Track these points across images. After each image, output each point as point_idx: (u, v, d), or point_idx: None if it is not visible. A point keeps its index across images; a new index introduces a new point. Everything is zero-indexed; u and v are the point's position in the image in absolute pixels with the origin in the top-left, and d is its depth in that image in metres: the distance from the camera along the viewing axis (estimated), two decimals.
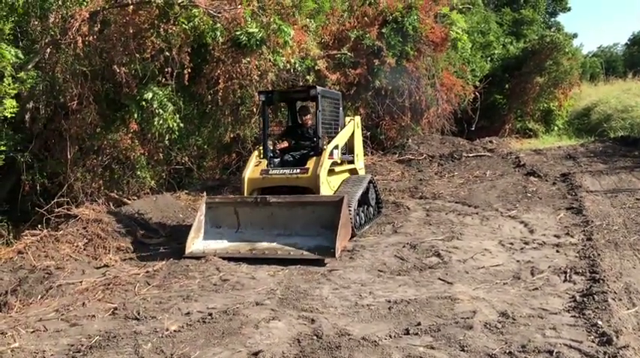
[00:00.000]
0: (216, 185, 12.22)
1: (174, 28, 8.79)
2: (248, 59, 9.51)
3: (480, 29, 24.57)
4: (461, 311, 4.85)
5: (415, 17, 14.95)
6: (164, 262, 7.06)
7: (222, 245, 7.46)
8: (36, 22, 9.25)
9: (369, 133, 15.65)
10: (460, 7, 20.17)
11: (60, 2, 8.80)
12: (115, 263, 7.19)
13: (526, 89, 22.88)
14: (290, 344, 4.35)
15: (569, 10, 36.96)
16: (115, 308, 5.45)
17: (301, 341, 4.39)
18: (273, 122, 10.91)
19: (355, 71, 14.52)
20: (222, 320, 4.91)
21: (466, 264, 6.38)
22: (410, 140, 16.88)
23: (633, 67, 31.79)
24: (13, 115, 8.31)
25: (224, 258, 7.05)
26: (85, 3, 8.66)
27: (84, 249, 7.53)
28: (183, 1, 8.72)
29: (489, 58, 24.55)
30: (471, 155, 15.27)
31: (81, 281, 6.40)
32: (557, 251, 6.72)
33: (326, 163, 7.93)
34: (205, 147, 12.74)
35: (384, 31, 14.78)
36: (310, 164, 7.94)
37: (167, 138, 9.66)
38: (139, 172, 10.48)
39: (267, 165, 8.19)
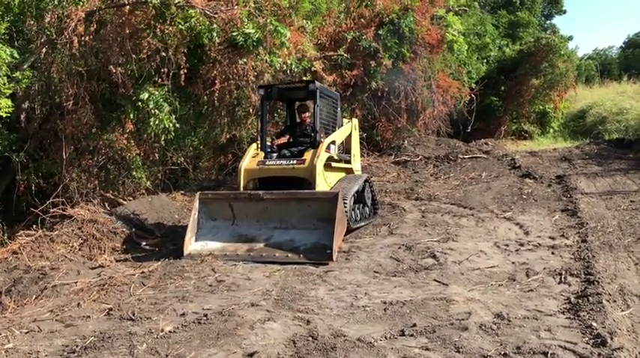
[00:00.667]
0: (212, 185, 12.22)
1: (170, 29, 8.78)
2: (244, 60, 9.51)
3: (476, 31, 24.66)
4: (456, 312, 4.85)
5: (411, 19, 14.98)
6: (159, 263, 7.05)
7: (219, 242, 7.43)
8: (32, 22, 9.23)
9: (365, 134, 15.66)
10: (456, 9, 20.23)
11: (56, 2, 8.78)
12: (110, 263, 7.17)
13: (522, 91, 22.96)
14: (285, 345, 4.35)
15: (564, 12, 37.19)
16: (110, 309, 5.44)
17: (297, 342, 4.39)
18: (269, 123, 10.90)
19: (351, 72, 14.53)
20: (217, 321, 4.91)
21: (461, 266, 6.39)
22: (406, 141, 16.91)
23: (628, 70, 31.96)
24: (9, 115, 8.29)
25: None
26: (81, 3, 8.64)
27: (79, 250, 7.51)
28: (179, 2, 8.71)
29: (485, 60, 24.64)
30: (466, 157, 15.29)
31: (76, 282, 6.38)
32: (552, 253, 6.74)
33: (323, 155, 7.92)
34: (201, 147, 12.73)
35: (380, 32, 14.81)
36: (307, 156, 7.94)
37: (163, 138, 9.64)
38: (134, 173, 10.45)
39: (264, 157, 8.19)
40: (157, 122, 9.14)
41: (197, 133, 11.72)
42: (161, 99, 9.08)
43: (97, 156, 10.32)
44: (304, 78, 12.13)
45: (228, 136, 11.70)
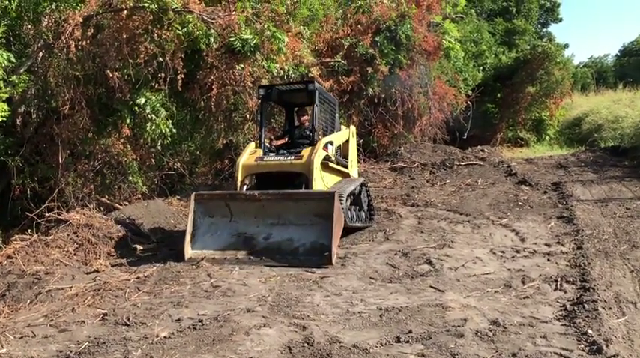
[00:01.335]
0: (208, 191, 12.18)
1: (167, 34, 8.79)
2: (242, 65, 9.53)
3: (473, 39, 24.80)
4: (452, 319, 4.85)
5: (408, 26, 15.07)
6: (155, 268, 7.02)
7: (218, 243, 7.41)
8: (29, 26, 9.23)
9: (361, 141, 15.69)
10: (453, 16, 20.33)
11: (53, 6, 8.79)
12: (105, 268, 7.13)
13: (518, 98, 23.08)
14: (281, 351, 4.34)
15: (560, 20, 37.46)
16: (105, 314, 5.41)
17: (292, 348, 4.37)
18: (266, 128, 10.92)
19: (348, 79, 14.60)
20: (212, 327, 4.89)
21: (457, 272, 6.39)
22: (402, 148, 16.94)
23: (623, 78, 32.13)
24: (5, 119, 8.27)
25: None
26: (78, 7, 8.65)
27: (74, 254, 7.47)
28: (177, 7, 8.73)
29: (481, 68, 24.75)
30: (462, 163, 15.32)
31: (71, 287, 6.34)
32: (548, 259, 6.75)
33: (320, 152, 7.91)
34: (198, 152, 12.73)
35: (377, 39, 14.88)
36: (305, 152, 7.94)
37: (159, 143, 9.64)
38: (130, 177, 10.44)
39: (262, 154, 8.20)
40: (153, 127, 9.15)
41: (194, 138, 11.72)
42: (158, 104, 9.08)
43: (93, 161, 10.31)
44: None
45: (224, 142, 11.71)
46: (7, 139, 9.10)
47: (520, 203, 10.41)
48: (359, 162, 13.00)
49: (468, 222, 9.10)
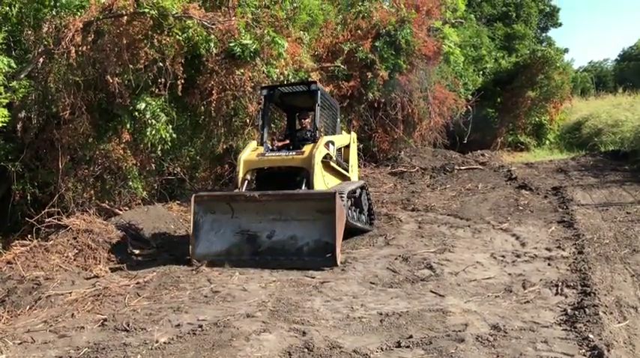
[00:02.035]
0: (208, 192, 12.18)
1: (168, 39, 8.81)
2: (242, 70, 9.54)
3: (472, 43, 24.85)
4: (452, 324, 4.83)
5: (408, 31, 15.10)
6: (155, 273, 7.00)
7: (222, 240, 7.40)
8: (29, 32, 9.25)
9: (361, 145, 15.68)
10: (453, 21, 20.37)
11: (54, 12, 8.82)
12: (105, 274, 7.12)
13: (518, 103, 23.10)
14: (281, 356, 4.32)
15: (560, 25, 37.54)
16: (105, 320, 5.39)
17: (292, 353, 4.36)
18: (268, 131, 10.96)
19: (348, 84, 14.62)
20: (212, 332, 4.87)
21: (458, 277, 6.37)
22: (402, 152, 16.96)
23: (623, 82, 32.13)
24: (5, 124, 8.28)
25: (216, 266, 7.07)
26: (79, 13, 8.67)
27: (74, 260, 7.45)
28: (177, 13, 8.75)
29: (481, 72, 24.78)
30: (463, 168, 15.33)
31: (70, 292, 6.33)
32: (549, 264, 6.73)
33: (322, 148, 7.91)
34: (198, 157, 12.73)
35: (377, 44, 14.91)
36: (306, 148, 7.94)
37: (159, 148, 9.65)
38: (130, 183, 10.44)
39: (264, 151, 8.22)
40: (153, 132, 9.15)
41: (194, 143, 11.73)
42: (158, 110, 9.09)
43: (93, 166, 10.31)
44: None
45: (224, 146, 11.72)
46: (7, 145, 9.11)
47: (520, 207, 10.40)
48: (359, 166, 13.01)
49: (469, 226, 9.09)
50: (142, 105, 8.92)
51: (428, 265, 6.84)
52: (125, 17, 8.68)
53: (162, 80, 8.94)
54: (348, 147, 9.69)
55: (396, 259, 7.22)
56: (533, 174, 14.29)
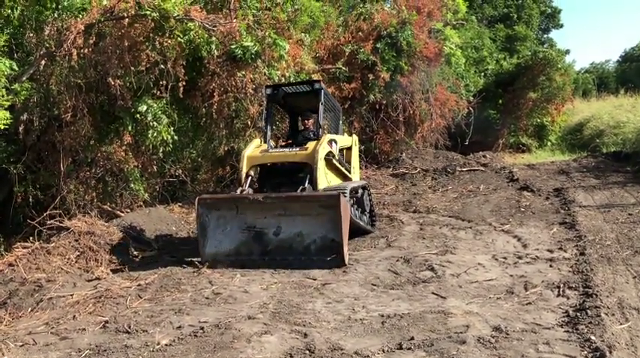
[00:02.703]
0: (211, 195, 12.18)
1: (169, 41, 8.82)
2: (243, 73, 9.55)
3: (474, 45, 24.86)
4: (454, 325, 4.83)
5: (409, 32, 15.11)
6: (156, 275, 7.00)
7: (229, 239, 7.41)
8: (31, 34, 9.27)
9: (363, 147, 15.69)
10: (454, 22, 20.39)
11: (55, 15, 8.83)
12: (106, 276, 7.12)
13: (519, 104, 23.09)
14: None
15: (561, 26, 37.64)
16: (106, 322, 5.39)
17: (293, 355, 4.35)
18: (271, 131, 10.98)
19: (350, 85, 14.63)
20: (213, 334, 4.87)
21: (459, 279, 6.36)
22: (404, 154, 16.95)
23: (625, 84, 32.13)
24: (7, 127, 8.29)
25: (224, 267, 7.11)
26: (80, 16, 8.69)
27: (75, 262, 7.46)
28: (178, 15, 8.76)
29: (483, 74, 24.79)
30: (464, 169, 15.32)
31: (72, 294, 6.33)
32: (551, 265, 6.72)
33: (325, 145, 7.91)
34: (199, 159, 12.73)
35: (378, 45, 14.93)
36: (310, 145, 7.93)
37: (161, 150, 9.65)
38: (132, 185, 10.43)
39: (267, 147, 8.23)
40: (155, 134, 9.16)
41: (195, 145, 11.73)
42: (159, 112, 9.10)
43: (94, 168, 10.31)
44: None
45: (226, 148, 11.72)
46: (9, 147, 9.12)
47: (522, 209, 10.39)
48: (360, 168, 13.00)
49: (470, 228, 9.08)
50: (143, 108, 8.93)
51: (429, 267, 6.84)
52: (127, 20, 8.69)
53: (164, 82, 8.95)
54: (350, 149, 9.71)
55: (397, 261, 7.22)
56: (534, 176, 14.28)
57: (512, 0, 33.23)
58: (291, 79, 10.70)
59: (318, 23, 14.01)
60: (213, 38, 9.02)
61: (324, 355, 4.30)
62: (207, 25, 8.99)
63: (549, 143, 23.97)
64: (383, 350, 4.35)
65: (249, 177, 7.94)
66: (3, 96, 8.01)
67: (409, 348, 4.36)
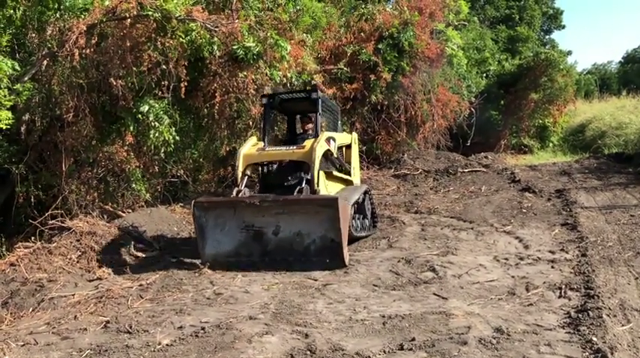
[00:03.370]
0: (209, 197, 12.17)
1: (171, 42, 8.81)
2: (245, 73, 9.54)
3: (476, 46, 24.89)
4: (455, 326, 4.82)
5: (411, 33, 15.12)
6: (157, 275, 7.02)
7: (229, 239, 7.38)
8: (33, 35, 9.27)
9: (364, 148, 15.70)
10: (456, 23, 20.39)
11: (58, 15, 8.83)
12: (108, 276, 7.13)
13: (521, 105, 23.05)
14: None
15: (563, 27, 37.66)
16: (107, 322, 5.40)
17: (295, 356, 4.36)
18: (269, 136, 10.97)
19: (351, 86, 14.64)
20: (215, 335, 4.88)
21: (461, 279, 6.36)
22: (405, 155, 16.94)
23: (627, 85, 32.13)
24: (9, 127, 8.30)
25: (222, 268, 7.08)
26: (82, 16, 8.69)
27: (77, 262, 7.47)
28: (180, 15, 8.76)
29: (485, 75, 24.81)
30: (466, 170, 15.30)
31: (73, 294, 6.34)
32: (552, 267, 6.71)
33: (322, 143, 7.79)
34: (201, 160, 12.71)
35: (380, 46, 14.93)
36: (307, 143, 7.81)
37: (163, 151, 9.64)
38: (134, 185, 10.42)
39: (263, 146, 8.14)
40: (156, 134, 9.15)
41: (197, 146, 11.72)
42: (161, 112, 9.09)
43: (96, 169, 10.31)
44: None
45: (228, 149, 11.71)
46: (11, 147, 9.12)
47: (524, 210, 10.37)
48: (362, 169, 13.00)
49: (472, 229, 9.08)
50: (145, 108, 8.92)
51: (431, 267, 6.84)
52: (129, 20, 8.69)
53: (166, 83, 8.94)
54: (349, 148, 9.63)
55: (398, 261, 7.22)
56: (536, 177, 14.27)
57: (515, 1, 33.28)
58: (293, 79, 10.69)
59: (319, 24, 14.01)
60: (215, 39, 9.01)
61: (325, 355, 4.30)
62: (209, 26, 8.99)
63: (551, 144, 23.94)
64: (384, 351, 4.35)
65: (246, 176, 7.86)
66: (5, 96, 8.02)
67: (410, 349, 4.36)
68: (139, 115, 8.94)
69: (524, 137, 23.76)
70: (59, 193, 9.37)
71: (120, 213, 9.69)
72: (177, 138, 9.59)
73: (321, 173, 7.77)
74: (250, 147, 8.05)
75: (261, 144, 8.18)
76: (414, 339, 4.53)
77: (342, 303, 5.69)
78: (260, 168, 8.53)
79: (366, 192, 9.17)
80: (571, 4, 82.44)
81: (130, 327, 5.17)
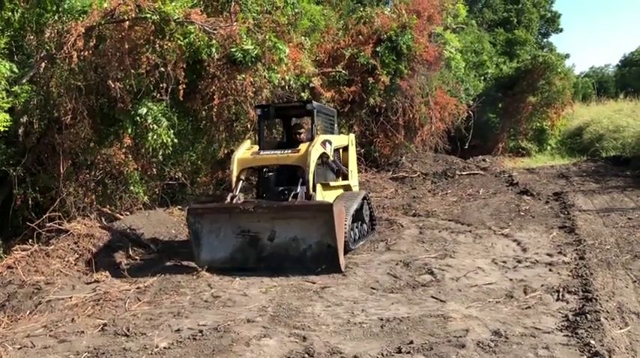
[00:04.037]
0: (209, 201, 12.17)
1: (169, 44, 8.81)
2: (243, 76, 9.54)
3: (474, 49, 24.93)
4: (453, 329, 4.82)
5: (409, 36, 15.15)
6: (155, 278, 7.00)
7: (224, 245, 7.35)
8: (31, 37, 9.26)
9: (362, 150, 15.71)
10: (454, 26, 20.44)
11: (56, 17, 8.83)
12: (105, 278, 7.12)
13: (519, 108, 23.09)
14: None
15: (561, 31, 37.69)
16: (105, 325, 5.39)
17: None
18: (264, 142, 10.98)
19: (349, 89, 14.66)
20: (212, 338, 4.87)
21: (459, 282, 6.36)
22: (404, 158, 16.95)
23: (625, 88, 32.14)
24: (6, 129, 8.28)
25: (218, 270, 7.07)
26: (81, 18, 8.69)
27: (74, 264, 7.47)
28: (178, 18, 8.77)
29: (483, 78, 24.84)
30: (464, 173, 15.32)
31: (71, 297, 6.33)
32: (550, 270, 6.72)
33: (318, 146, 7.74)
34: (199, 162, 12.71)
35: (378, 49, 14.95)
36: (302, 147, 7.75)
37: (161, 153, 9.62)
38: (132, 187, 10.41)
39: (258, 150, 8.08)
40: (155, 137, 9.14)
41: (195, 148, 11.71)
42: (159, 114, 9.08)
43: (94, 171, 10.29)
44: (302, 94, 12.20)
45: (226, 151, 11.71)
46: (8, 149, 9.11)
47: (522, 213, 10.38)
48: (360, 171, 13.00)
49: (470, 231, 9.08)
50: (143, 110, 8.91)
51: (429, 270, 6.83)
52: (127, 22, 8.69)
53: (164, 85, 8.94)
54: (346, 150, 9.61)
55: (397, 264, 7.21)
56: (534, 180, 14.29)
57: (512, 4, 33.34)
58: (291, 82, 10.70)
59: (318, 27, 14.04)
60: (214, 41, 9.01)
61: None
62: (207, 28, 8.99)
63: (549, 147, 23.98)
64: (382, 354, 4.34)
65: (241, 181, 7.80)
66: (3, 98, 8.01)
67: (408, 352, 4.36)
68: (137, 118, 8.93)
69: (522, 140, 23.79)
70: (57, 196, 9.35)
71: (118, 215, 9.68)
72: (176, 140, 9.58)
73: (318, 185, 7.73)
74: (245, 151, 8.00)
75: (255, 147, 8.14)
76: (412, 342, 4.52)
77: (340, 306, 5.69)
78: (259, 172, 8.50)
79: (364, 198, 9.09)
80: (569, 8, 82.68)
81: (128, 330, 5.16)
